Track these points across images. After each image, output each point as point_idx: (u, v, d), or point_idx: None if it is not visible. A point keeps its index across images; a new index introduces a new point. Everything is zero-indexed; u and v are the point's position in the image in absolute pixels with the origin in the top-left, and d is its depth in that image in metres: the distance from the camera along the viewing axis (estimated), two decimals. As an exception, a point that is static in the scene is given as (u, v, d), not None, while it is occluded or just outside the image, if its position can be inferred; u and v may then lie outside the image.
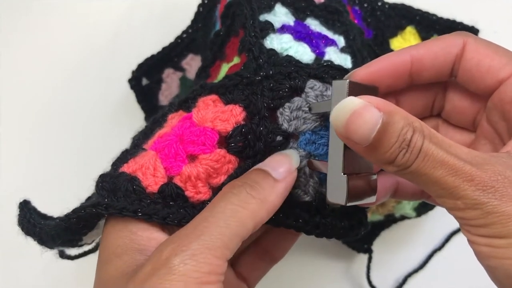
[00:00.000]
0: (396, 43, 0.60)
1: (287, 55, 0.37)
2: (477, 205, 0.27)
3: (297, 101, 0.34)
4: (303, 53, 0.37)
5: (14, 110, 0.65)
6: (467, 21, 0.59)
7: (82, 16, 0.68)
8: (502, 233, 0.27)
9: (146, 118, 0.62)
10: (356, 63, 0.40)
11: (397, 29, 0.60)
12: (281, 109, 0.34)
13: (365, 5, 0.60)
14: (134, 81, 0.60)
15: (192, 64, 0.61)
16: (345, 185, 0.31)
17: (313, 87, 0.34)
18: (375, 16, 0.59)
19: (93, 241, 0.38)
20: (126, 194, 0.33)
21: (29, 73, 0.66)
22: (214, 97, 0.35)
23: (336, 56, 0.39)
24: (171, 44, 0.61)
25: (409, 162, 0.27)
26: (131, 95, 0.62)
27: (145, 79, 0.61)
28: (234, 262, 0.38)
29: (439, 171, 0.27)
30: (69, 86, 0.65)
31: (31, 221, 0.36)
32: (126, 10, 0.67)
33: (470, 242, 0.29)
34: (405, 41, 0.60)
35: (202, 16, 0.57)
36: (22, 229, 0.36)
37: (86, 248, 0.41)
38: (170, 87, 0.62)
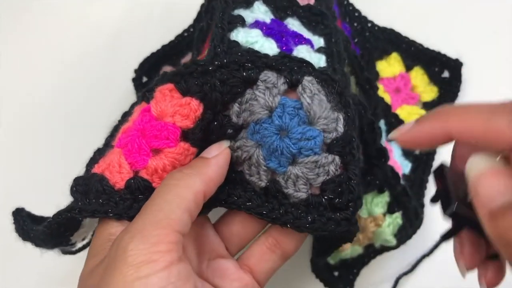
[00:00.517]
0: (381, 66, 0.62)
1: (249, 48, 0.36)
2: None
3: (247, 94, 0.34)
4: (268, 48, 0.37)
5: (14, 110, 0.65)
6: (452, 53, 0.60)
7: (82, 16, 0.69)
8: None
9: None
10: (332, 64, 0.39)
11: (383, 53, 0.62)
12: (232, 103, 0.35)
13: (355, 24, 0.62)
14: (138, 80, 0.61)
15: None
16: None
17: (266, 79, 0.34)
18: (364, 37, 0.62)
19: (84, 238, 0.40)
20: (97, 195, 0.34)
21: (29, 73, 0.67)
22: (170, 86, 0.35)
23: (307, 54, 0.38)
24: (171, 42, 0.62)
25: None
26: (132, 95, 0.62)
27: (145, 78, 0.62)
28: (241, 256, 0.38)
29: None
30: (70, 86, 0.66)
31: (25, 228, 0.37)
32: (126, 10, 0.69)
33: None
34: (390, 65, 0.62)
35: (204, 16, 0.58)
36: (19, 235, 0.37)
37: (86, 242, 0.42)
38: (167, 84, 0.62)
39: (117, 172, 0.34)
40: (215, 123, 0.35)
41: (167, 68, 0.63)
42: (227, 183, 0.35)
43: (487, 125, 0.26)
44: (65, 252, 0.42)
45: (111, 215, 0.33)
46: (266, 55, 0.35)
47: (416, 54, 0.62)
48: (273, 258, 0.37)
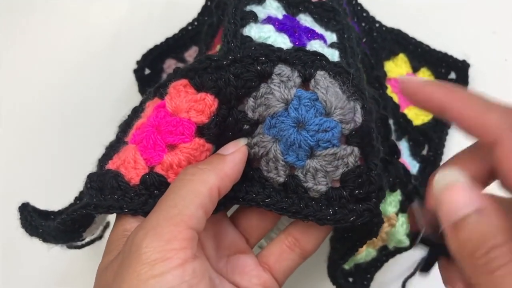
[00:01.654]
0: (388, 66, 0.61)
1: (262, 42, 0.36)
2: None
3: (261, 88, 0.34)
4: (281, 43, 0.37)
5: (15, 110, 0.65)
6: (459, 54, 0.60)
7: (83, 16, 0.69)
8: None
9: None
10: (346, 59, 0.39)
11: (391, 54, 0.61)
12: (247, 98, 0.34)
13: (363, 24, 0.61)
14: (140, 72, 0.61)
15: (195, 56, 0.60)
16: None
17: (280, 73, 0.34)
18: (372, 37, 0.61)
19: (93, 233, 0.40)
20: (112, 191, 0.34)
21: (31, 72, 0.67)
22: (184, 81, 0.35)
23: (320, 49, 0.38)
24: (175, 36, 0.62)
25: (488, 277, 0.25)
26: (134, 89, 0.62)
27: (148, 69, 0.62)
28: (260, 253, 0.38)
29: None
30: (71, 85, 0.65)
31: (33, 223, 0.37)
32: (126, 9, 0.68)
33: None
34: (397, 66, 0.61)
35: (209, 9, 0.58)
36: (26, 231, 0.37)
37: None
38: (171, 77, 0.62)
39: (132, 168, 0.34)
40: (230, 118, 0.34)
41: (171, 61, 0.62)
42: (245, 180, 0.35)
43: (481, 117, 0.28)
44: (70, 247, 0.42)
45: (126, 210, 0.33)
46: (279, 49, 0.35)
47: (423, 55, 0.61)
48: (292, 256, 0.37)
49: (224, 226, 0.37)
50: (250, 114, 0.34)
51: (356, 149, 0.33)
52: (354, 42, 0.42)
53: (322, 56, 0.35)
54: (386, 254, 0.52)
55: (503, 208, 0.26)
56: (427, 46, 0.61)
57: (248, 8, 0.39)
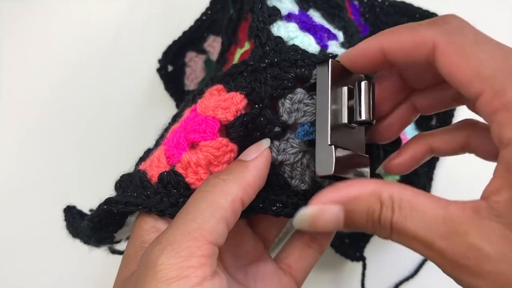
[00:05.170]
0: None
1: (293, 44, 0.35)
2: (456, 280, 0.26)
3: (299, 93, 0.33)
4: (309, 44, 0.36)
5: (17, 109, 0.66)
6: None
7: (82, 15, 0.69)
8: None
9: (178, 105, 0.62)
10: None
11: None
12: (282, 100, 0.33)
13: (365, 0, 0.61)
14: (163, 70, 0.60)
15: (215, 45, 0.61)
16: (332, 154, 0.30)
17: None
18: (374, 13, 0.61)
19: (128, 237, 0.38)
20: (135, 189, 0.33)
21: (30, 72, 0.67)
22: (219, 86, 0.34)
23: (338, 50, 0.38)
24: (191, 28, 0.61)
25: (387, 235, 0.28)
26: (134, 88, 0.62)
27: (170, 66, 0.61)
28: (279, 255, 0.37)
29: (414, 245, 0.27)
30: (72, 84, 0.66)
31: (74, 225, 0.37)
32: (126, 8, 0.68)
33: None
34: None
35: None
36: (69, 232, 0.38)
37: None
38: (194, 70, 0.62)
39: (156, 166, 0.34)
40: (262, 118, 0.33)
41: (192, 54, 0.62)
42: (266, 187, 0.33)
43: (413, 33, 0.29)
44: (113, 252, 0.42)
45: (140, 207, 0.32)
46: (314, 55, 0.35)
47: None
48: (311, 253, 0.36)
49: (243, 231, 0.36)
50: (285, 116, 0.33)
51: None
52: (356, 40, 0.42)
53: None
54: None
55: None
56: (434, 14, 0.60)
57: (269, 3, 0.38)
